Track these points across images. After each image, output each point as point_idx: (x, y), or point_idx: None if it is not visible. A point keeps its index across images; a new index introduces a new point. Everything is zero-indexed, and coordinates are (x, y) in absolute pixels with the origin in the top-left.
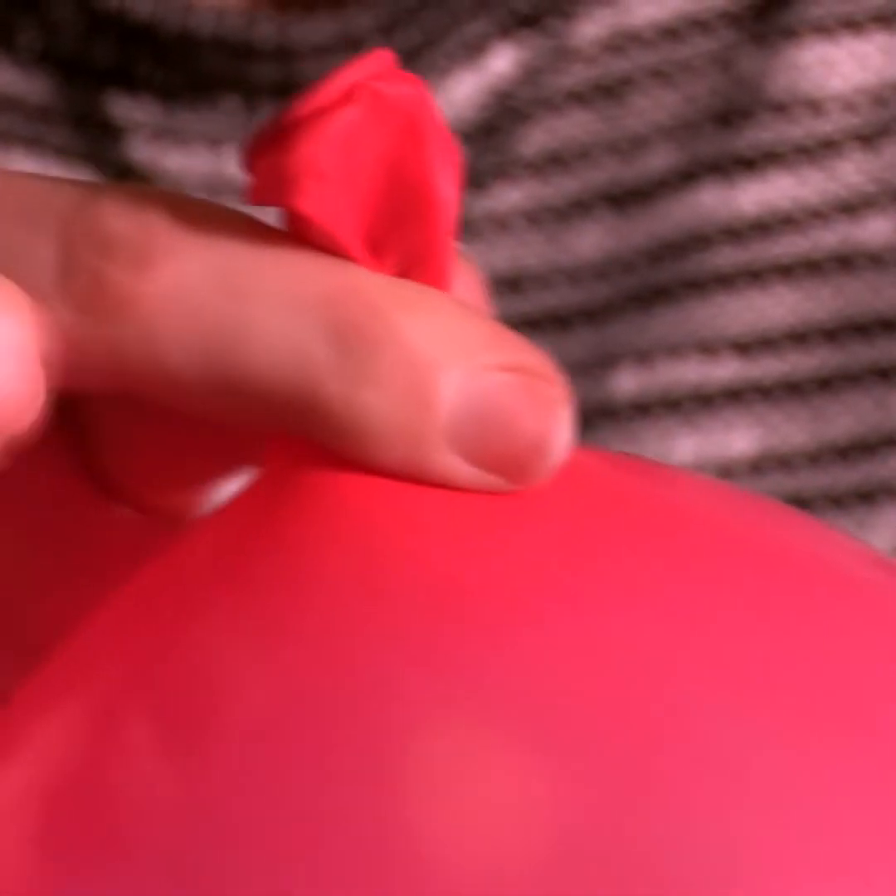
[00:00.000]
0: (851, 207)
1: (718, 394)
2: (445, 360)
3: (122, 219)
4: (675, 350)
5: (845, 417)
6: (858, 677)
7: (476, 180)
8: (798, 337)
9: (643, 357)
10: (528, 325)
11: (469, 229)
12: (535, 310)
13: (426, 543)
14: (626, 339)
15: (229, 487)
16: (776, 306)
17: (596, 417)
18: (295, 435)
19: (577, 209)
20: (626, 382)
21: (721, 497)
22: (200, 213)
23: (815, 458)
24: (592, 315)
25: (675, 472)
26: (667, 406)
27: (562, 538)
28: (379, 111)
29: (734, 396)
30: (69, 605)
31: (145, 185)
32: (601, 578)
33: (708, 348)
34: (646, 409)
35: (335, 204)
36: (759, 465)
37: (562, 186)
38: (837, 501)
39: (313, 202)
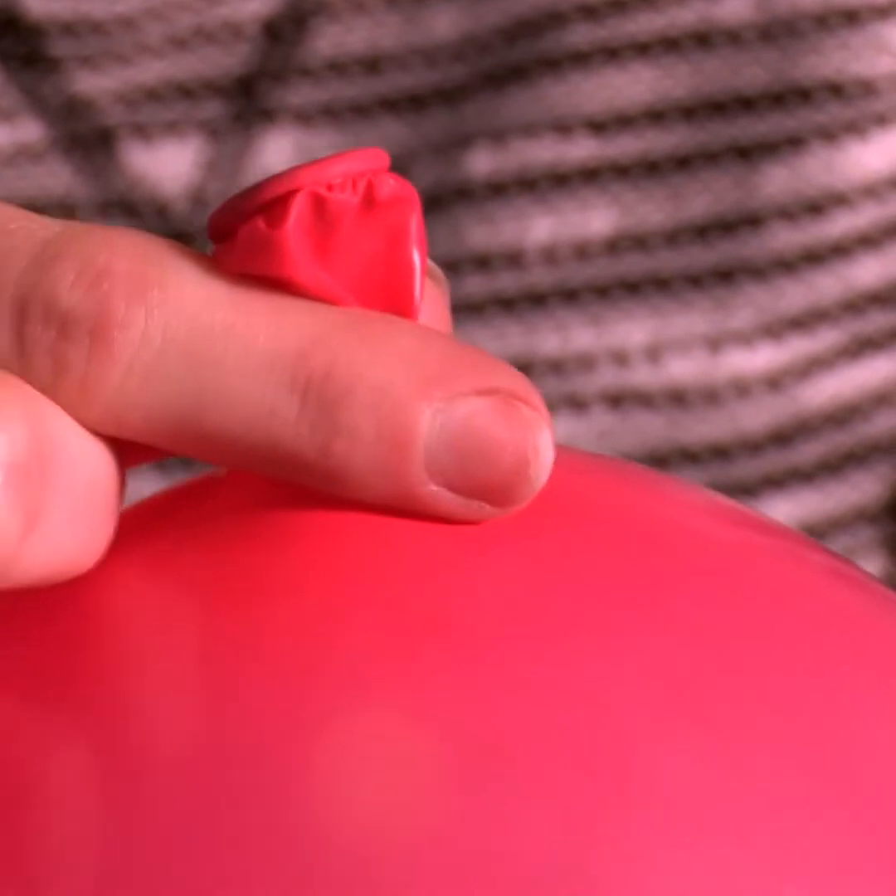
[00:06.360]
0: None
1: (574, 173)
2: (416, 394)
3: (76, 290)
4: (529, 129)
5: (703, 196)
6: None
7: None
8: (655, 115)
9: (498, 137)
10: (385, 106)
11: (325, 11)
12: (391, 91)
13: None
14: (481, 119)
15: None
16: (633, 84)
17: (451, 198)
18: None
19: None
20: (481, 162)
21: (697, 506)
22: (160, 270)
23: (673, 237)
24: (448, 95)
25: (661, 479)
26: (522, 186)
27: (512, 571)
28: (371, 200)
29: (590, 176)
30: None
31: (105, 232)
32: (557, 611)
33: (563, 127)
34: (501, 189)
35: (320, 274)
36: (615, 245)
37: None
38: (696, 281)
39: (302, 271)
